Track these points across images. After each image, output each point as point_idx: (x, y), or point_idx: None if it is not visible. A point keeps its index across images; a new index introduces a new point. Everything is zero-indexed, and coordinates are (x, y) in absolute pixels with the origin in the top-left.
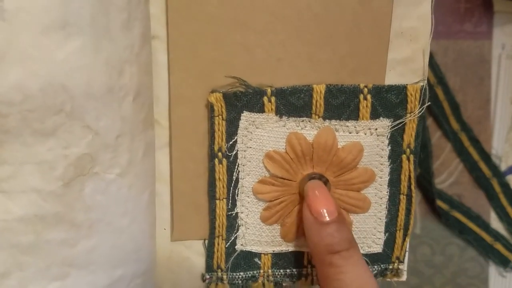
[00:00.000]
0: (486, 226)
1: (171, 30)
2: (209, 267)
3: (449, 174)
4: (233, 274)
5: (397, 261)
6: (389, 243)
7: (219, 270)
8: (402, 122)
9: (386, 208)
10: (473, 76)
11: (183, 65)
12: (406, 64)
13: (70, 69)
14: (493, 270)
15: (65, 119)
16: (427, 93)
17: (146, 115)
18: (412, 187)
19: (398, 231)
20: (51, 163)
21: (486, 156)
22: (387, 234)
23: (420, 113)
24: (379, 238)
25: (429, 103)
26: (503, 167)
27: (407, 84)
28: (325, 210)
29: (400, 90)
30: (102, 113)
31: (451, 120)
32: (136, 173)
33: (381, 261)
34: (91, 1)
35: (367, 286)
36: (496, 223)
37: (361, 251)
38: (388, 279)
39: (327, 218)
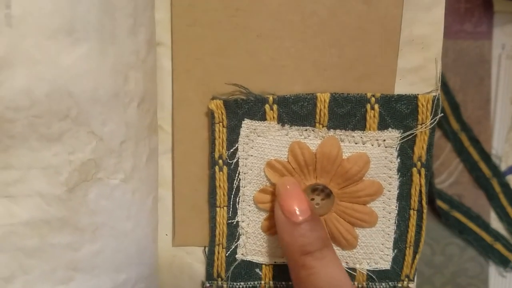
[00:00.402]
0: (486, 226)
1: (175, 36)
2: (209, 275)
3: (449, 174)
4: (233, 284)
5: (406, 279)
6: (398, 260)
7: (219, 278)
8: (412, 133)
9: (395, 223)
10: (473, 76)
11: (187, 71)
12: (417, 72)
13: (76, 74)
14: (493, 270)
15: (71, 125)
16: (440, 103)
17: (150, 121)
18: (423, 202)
19: (407, 248)
20: (56, 168)
21: (486, 156)
22: (395, 251)
23: (432, 125)
24: (387, 255)
25: (442, 114)
26: (503, 167)
27: (418, 94)
28: (297, 209)
29: (411, 100)
30: (107, 118)
31: (451, 120)
32: (140, 179)
33: (390, 278)
34: (97, 7)
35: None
36: (496, 223)
37: (368, 267)
38: None
39: (300, 218)
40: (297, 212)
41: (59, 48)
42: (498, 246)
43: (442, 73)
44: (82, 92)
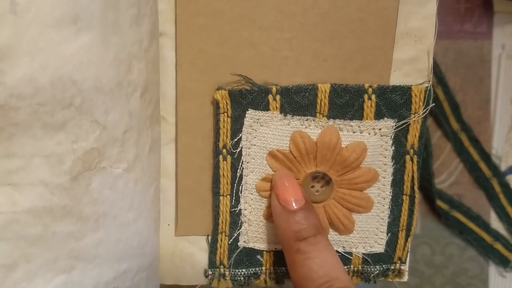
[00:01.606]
0: (486, 226)
1: (179, 27)
2: (211, 263)
3: (449, 174)
4: (235, 271)
5: (399, 261)
6: (392, 243)
7: (222, 266)
8: (406, 122)
9: (389, 208)
10: (473, 76)
11: (190, 62)
12: (411, 64)
13: (80, 63)
14: (493, 270)
15: (75, 113)
16: (432, 94)
17: (153, 111)
18: (415, 187)
19: (400, 232)
20: (59, 156)
21: (486, 156)
22: (389, 235)
23: (424, 114)
24: (382, 238)
25: (433, 104)
26: (503, 167)
27: (411, 85)
28: (292, 198)
29: (405, 91)
30: (111, 107)
31: (451, 120)
32: (143, 168)
33: (383, 261)
34: None
35: (334, 271)
36: (496, 223)
37: (363, 251)
38: (390, 280)
39: (295, 206)
40: (292, 201)
41: (63, 37)
42: (498, 246)
43: (442, 73)
44: (86, 80)
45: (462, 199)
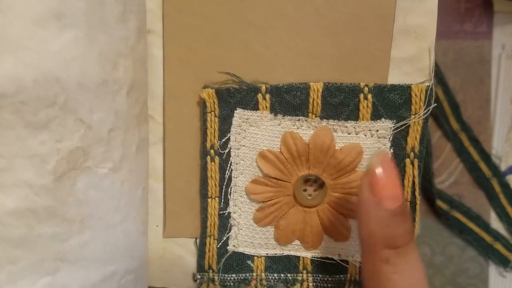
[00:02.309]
0: (486, 226)
1: (166, 24)
2: (200, 267)
3: (449, 174)
4: (224, 276)
5: None
6: None
7: (211, 270)
8: (406, 124)
9: None
10: (473, 76)
11: (179, 60)
12: (411, 62)
13: (64, 60)
14: (493, 270)
15: (58, 112)
16: (433, 93)
17: (140, 110)
18: (416, 193)
19: None
20: (43, 156)
21: (486, 156)
22: None
23: (425, 115)
24: None
25: (435, 104)
26: (503, 167)
27: (411, 84)
28: (393, 195)
29: (404, 90)
30: (95, 106)
31: (451, 120)
32: (129, 168)
33: None
34: None
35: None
36: (496, 223)
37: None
38: None
39: (395, 205)
40: (393, 198)
41: (47, 34)
42: (498, 246)
43: (442, 73)
44: (70, 78)
45: (462, 199)
